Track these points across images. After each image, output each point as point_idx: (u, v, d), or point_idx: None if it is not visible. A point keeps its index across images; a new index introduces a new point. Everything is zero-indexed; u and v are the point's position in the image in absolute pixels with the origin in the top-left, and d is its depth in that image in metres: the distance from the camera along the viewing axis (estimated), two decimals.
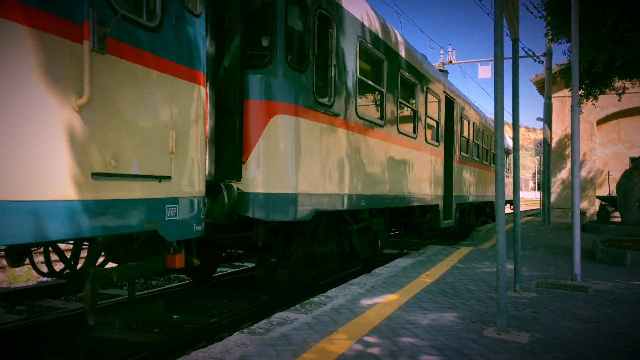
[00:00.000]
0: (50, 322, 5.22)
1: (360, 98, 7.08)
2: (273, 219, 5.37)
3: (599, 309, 4.93)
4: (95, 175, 3.19)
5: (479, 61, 21.79)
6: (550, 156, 19.17)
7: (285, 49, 5.43)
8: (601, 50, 10.68)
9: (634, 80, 14.34)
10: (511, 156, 13.58)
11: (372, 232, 8.29)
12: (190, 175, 4.15)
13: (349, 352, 3.44)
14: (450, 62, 22.15)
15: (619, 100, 16.39)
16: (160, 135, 3.77)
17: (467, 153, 14.00)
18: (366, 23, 7.23)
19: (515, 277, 5.59)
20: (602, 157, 22.92)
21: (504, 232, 4.05)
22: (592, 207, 21.22)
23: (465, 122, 13.68)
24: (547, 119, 18.71)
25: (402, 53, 8.75)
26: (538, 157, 31.05)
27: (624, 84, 15.05)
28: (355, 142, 6.96)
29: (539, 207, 36.69)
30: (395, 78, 8.40)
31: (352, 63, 6.76)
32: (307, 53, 5.73)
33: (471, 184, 14.64)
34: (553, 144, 21.21)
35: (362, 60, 7.13)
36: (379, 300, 5.05)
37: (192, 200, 4.14)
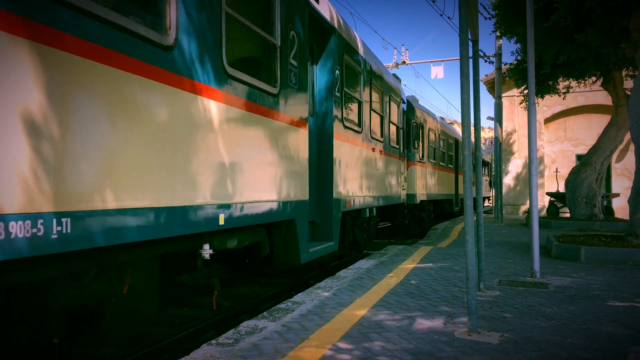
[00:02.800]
0: None
1: (431, 153, 16.85)
2: (410, 202, 14.16)
3: (561, 305, 5.02)
4: (402, 188, 12.44)
5: (431, 61, 22.15)
6: (501, 154, 19.67)
7: (413, 141, 14.65)
8: (548, 48, 11.00)
9: (580, 80, 14.91)
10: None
11: (429, 212, 17.90)
12: (403, 187, 12.60)
13: None
14: (404, 62, 22.40)
15: (563, 99, 16.98)
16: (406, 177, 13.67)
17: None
18: (434, 122, 17.54)
19: (479, 277, 5.64)
20: (550, 154, 23.70)
21: (473, 233, 4.05)
22: (541, 203, 21.89)
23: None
24: (498, 118, 19.19)
25: (439, 127, 18.57)
26: (489, 155, 31.87)
27: (570, 83, 15.60)
28: (431, 173, 16.74)
29: (489, 204, 37.69)
30: (440, 139, 18.48)
31: (428, 139, 16.33)
32: (418, 140, 15.08)
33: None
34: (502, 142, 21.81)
35: (430, 137, 16.79)
36: (346, 304, 4.99)
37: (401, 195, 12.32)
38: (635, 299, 5.36)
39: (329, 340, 3.78)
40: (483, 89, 25.19)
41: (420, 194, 15.00)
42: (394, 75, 12.40)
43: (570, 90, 15.93)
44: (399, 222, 14.42)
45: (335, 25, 7.52)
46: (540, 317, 4.55)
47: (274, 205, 5.39)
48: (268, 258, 6.09)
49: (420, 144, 15.26)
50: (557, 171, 22.05)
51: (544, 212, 20.63)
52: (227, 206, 4.45)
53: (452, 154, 20.48)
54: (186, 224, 3.85)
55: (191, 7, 4.01)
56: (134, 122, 3.36)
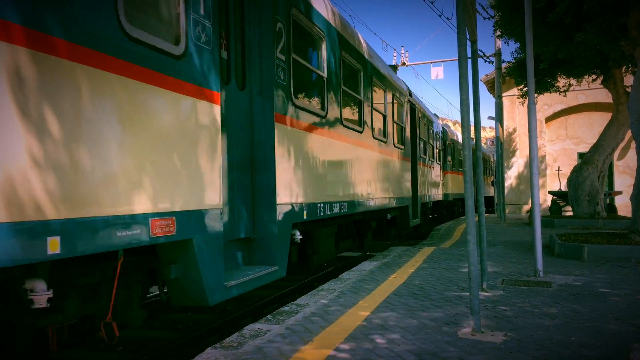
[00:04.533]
0: None
1: (458, 163, 22.28)
2: (445, 200, 19.43)
3: (565, 303, 5.03)
4: (442, 190, 18.45)
5: (431, 62, 22.17)
6: (503, 154, 19.65)
7: (447, 156, 20.13)
8: (547, 45, 10.97)
9: (579, 77, 14.88)
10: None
11: (458, 207, 23.05)
12: (442, 189, 18.12)
13: None
14: (404, 63, 22.43)
15: (564, 96, 16.93)
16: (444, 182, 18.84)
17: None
18: (458, 139, 22.55)
19: (482, 276, 5.65)
20: (552, 153, 23.66)
21: (475, 233, 4.06)
22: (544, 202, 21.87)
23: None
24: (499, 118, 19.17)
25: (455, 137, 22.53)
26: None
27: (569, 81, 15.58)
28: (457, 178, 21.91)
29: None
30: (451, 148, 21.61)
31: (455, 153, 22.14)
32: (450, 155, 20.83)
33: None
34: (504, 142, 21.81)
35: (456, 151, 22.32)
36: (350, 306, 5.00)
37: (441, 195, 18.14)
38: (638, 295, 5.36)
39: (332, 343, 3.79)
40: (483, 89, 25.20)
41: (452, 194, 20.77)
42: (435, 114, 18.72)
43: (570, 88, 15.90)
44: (439, 214, 20.19)
45: (418, 107, 13.62)
46: (543, 315, 4.56)
47: (403, 199, 11.25)
48: (394, 225, 11.62)
49: (450, 157, 20.91)
50: (559, 170, 22.01)
51: (547, 211, 20.60)
52: (394, 198, 10.38)
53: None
54: (385, 205, 9.57)
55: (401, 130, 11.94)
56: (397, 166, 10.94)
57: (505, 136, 22.60)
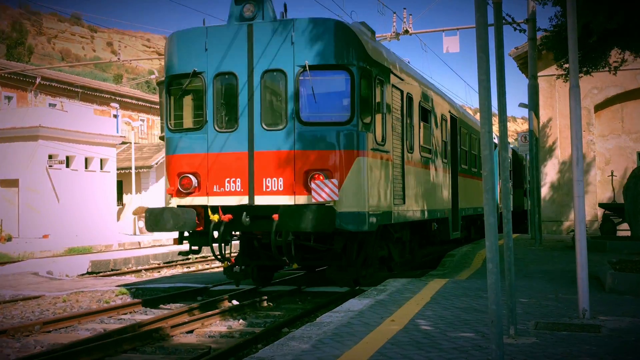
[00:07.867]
0: None
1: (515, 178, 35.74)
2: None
3: (617, 355, 5.08)
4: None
5: (443, 30, 22.32)
6: (538, 154, 19.81)
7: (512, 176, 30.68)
8: (598, 10, 11.06)
9: (639, 52, 15.00)
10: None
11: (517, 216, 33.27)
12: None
13: None
14: (407, 31, 22.51)
15: (614, 74, 16.60)
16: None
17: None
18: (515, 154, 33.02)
19: (509, 319, 5.69)
20: (603, 152, 23.90)
21: (497, 260, 4.09)
22: (594, 218, 22.07)
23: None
24: (533, 105, 19.22)
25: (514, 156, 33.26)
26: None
27: (624, 56, 15.62)
28: (515, 192, 35.82)
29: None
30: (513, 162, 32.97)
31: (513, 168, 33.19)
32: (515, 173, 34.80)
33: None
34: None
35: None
36: None
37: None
38: None
39: None
40: (512, 66, 25.51)
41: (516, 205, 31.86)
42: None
43: (624, 64, 15.93)
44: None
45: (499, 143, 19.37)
46: None
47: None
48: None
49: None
50: (612, 175, 22.23)
51: (596, 229, 20.81)
52: (473, 208, 21.98)
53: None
54: (476, 211, 22.49)
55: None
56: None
57: (541, 130, 22.82)
